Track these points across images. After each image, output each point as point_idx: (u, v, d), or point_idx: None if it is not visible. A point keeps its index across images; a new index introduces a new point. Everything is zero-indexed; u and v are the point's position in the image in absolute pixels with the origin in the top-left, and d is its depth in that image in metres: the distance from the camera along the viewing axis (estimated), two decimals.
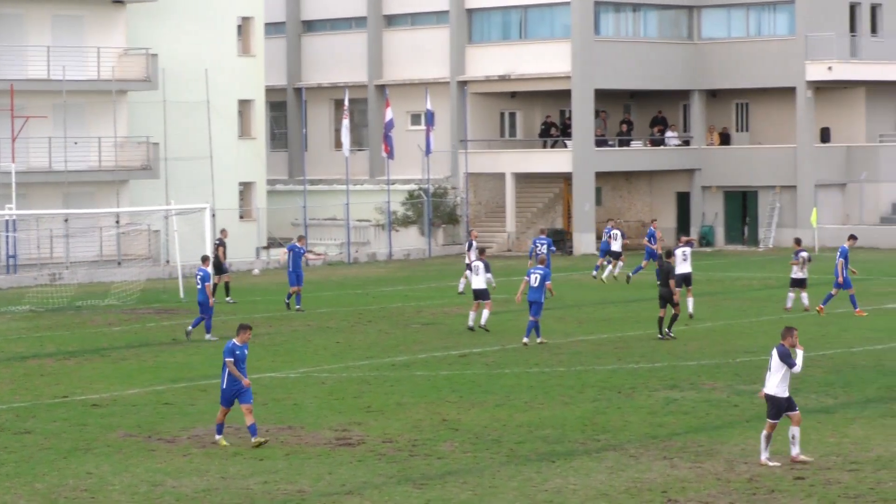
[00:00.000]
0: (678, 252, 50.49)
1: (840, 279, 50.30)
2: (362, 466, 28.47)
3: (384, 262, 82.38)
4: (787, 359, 27.72)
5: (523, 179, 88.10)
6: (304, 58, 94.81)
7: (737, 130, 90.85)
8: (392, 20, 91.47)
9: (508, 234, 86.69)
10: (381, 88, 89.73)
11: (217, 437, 30.53)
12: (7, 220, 71.09)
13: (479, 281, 48.40)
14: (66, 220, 74.11)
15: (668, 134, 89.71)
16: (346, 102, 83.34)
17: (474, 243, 59.39)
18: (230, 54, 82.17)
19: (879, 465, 27.87)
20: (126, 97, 78.39)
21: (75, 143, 76.92)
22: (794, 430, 27.90)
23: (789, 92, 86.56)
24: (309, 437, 31.10)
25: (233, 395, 30.33)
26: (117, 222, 75.27)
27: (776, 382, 28.00)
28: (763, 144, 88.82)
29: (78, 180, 76.68)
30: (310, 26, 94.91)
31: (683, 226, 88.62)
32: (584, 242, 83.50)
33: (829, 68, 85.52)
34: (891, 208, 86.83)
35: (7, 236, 72.61)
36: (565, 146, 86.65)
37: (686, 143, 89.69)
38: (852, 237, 53.63)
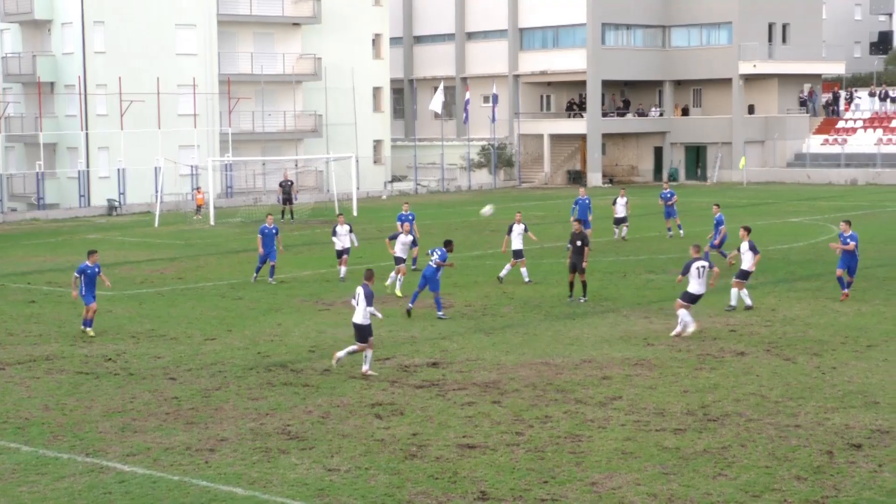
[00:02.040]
0: (515, 227, 35.12)
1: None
2: (452, 322, 28.53)
3: (465, 191, 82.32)
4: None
5: (555, 138, 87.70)
6: (414, 60, 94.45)
7: (693, 106, 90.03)
8: (471, 36, 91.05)
9: (545, 173, 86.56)
10: (464, 80, 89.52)
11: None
12: (227, 164, 71.70)
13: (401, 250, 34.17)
14: (263, 164, 74.48)
15: (652, 110, 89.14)
16: (442, 88, 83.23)
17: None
18: (367, 57, 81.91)
19: (786, 321, 27.69)
20: (301, 86, 78.50)
21: (269, 114, 77.26)
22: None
23: (728, 81, 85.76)
24: (418, 303, 30.54)
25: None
26: (296, 165, 75.60)
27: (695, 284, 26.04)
28: (710, 115, 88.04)
29: (271, 139, 77.07)
30: (419, 39, 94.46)
31: (658, 169, 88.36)
32: (593, 179, 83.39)
33: (754, 66, 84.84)
34: (793, 157, 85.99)
35: (227, 174, 73.23)
36: (581, 117, 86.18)
37: (661, 114, 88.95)
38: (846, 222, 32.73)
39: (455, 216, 59.99)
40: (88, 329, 27.21)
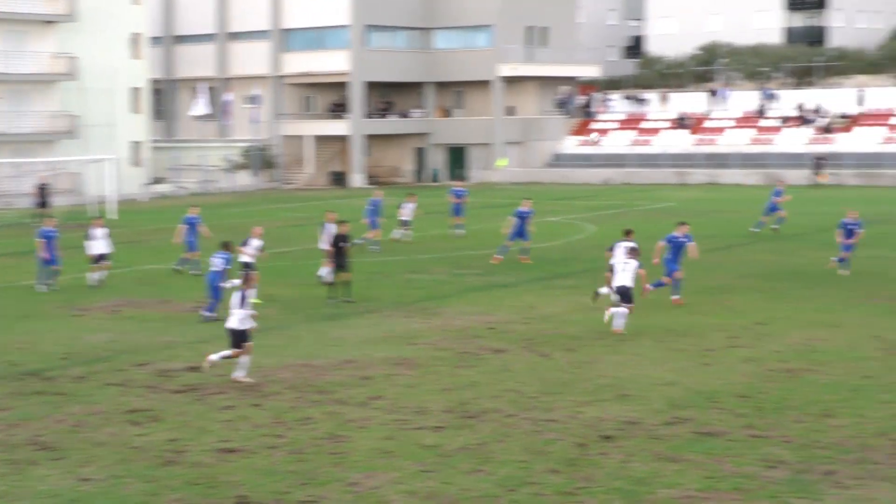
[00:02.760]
0: (329, 227, 33.66)
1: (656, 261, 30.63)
2: (212, 326, 28.10)
3: (227, 192, 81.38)
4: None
5: (318, 140, 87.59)
6: (176, 60, 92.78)
7: (456, 108, 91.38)
8: (234, 36, 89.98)
9: (308, 174, 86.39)
10: (227, 80, 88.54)
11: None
12: None
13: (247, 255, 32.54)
14: (16, 167, 71.75)
15: (415, 111, 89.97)
16: (207, 90, 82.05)
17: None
18: (126, 57, 79.97)
19: (543, 318, 28.33)
20: (57, 85, 75.87)
21: (21, 115, 74.48)
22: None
23: (488, 83, 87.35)
24: (177, 307, 30.58)
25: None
26: (51, 168, 72.96)
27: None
28: (472, 117, 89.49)
29: (23, 140, 74.13)
30: (180, 39, 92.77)
31: (420, 170, 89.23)
32: (356, 180, 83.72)
33: (514, 68, 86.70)
34: (551, 157, 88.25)
35: None
36: (344, 118, 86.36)
37: (424, 116, 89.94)
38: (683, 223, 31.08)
39: (217, 218, 59.20)
40: None
